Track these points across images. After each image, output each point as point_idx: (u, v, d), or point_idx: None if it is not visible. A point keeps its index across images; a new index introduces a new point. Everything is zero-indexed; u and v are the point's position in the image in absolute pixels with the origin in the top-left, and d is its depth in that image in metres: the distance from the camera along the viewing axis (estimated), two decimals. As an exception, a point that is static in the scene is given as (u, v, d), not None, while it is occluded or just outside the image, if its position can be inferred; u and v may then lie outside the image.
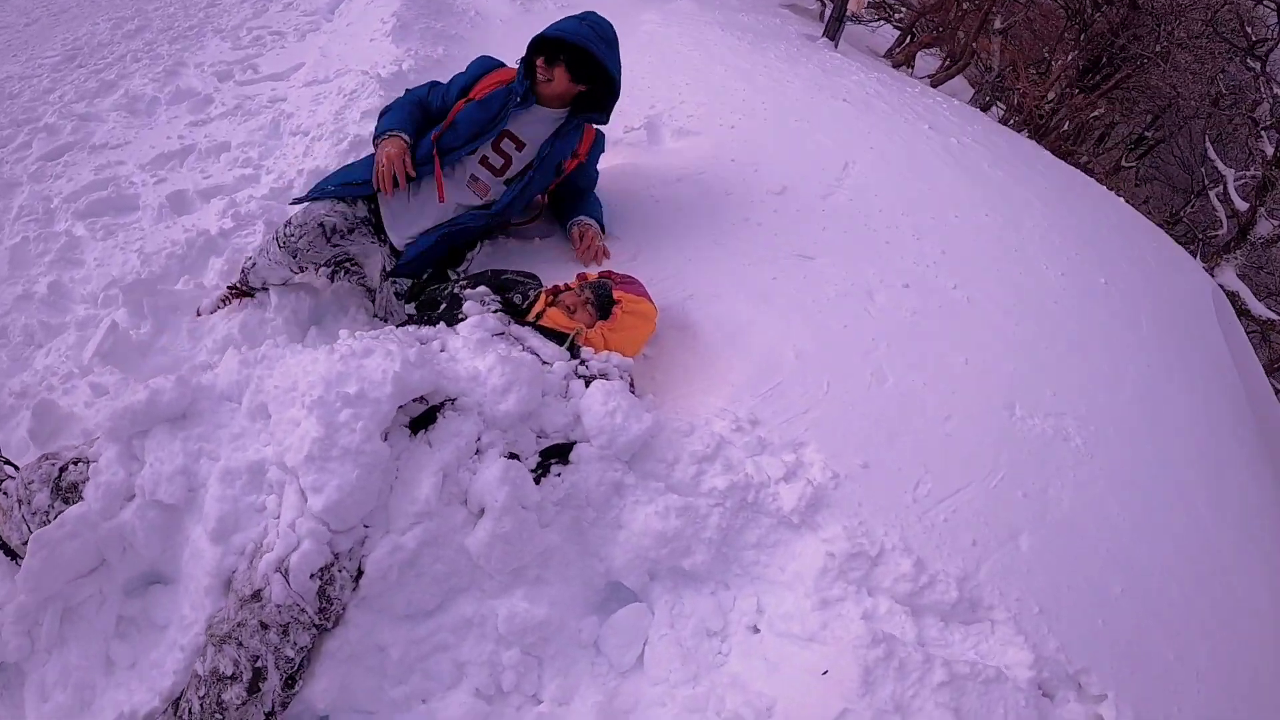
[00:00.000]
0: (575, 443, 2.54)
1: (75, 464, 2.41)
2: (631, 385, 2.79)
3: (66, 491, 2.37)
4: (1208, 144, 14.08)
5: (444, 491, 2.29)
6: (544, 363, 2.63)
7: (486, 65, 3.67)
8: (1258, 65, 12.14)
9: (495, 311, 2.86)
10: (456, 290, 3.05)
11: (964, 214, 4.13)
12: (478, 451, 2.37)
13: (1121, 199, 6.40)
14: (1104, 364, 3.50)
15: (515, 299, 3.04)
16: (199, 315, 3.56)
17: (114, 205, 4.41)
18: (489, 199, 3.49)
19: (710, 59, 5.86)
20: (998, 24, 13.76)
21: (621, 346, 2.90)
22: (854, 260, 3.61)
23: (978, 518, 2.59)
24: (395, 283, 3.40)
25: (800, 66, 5.81)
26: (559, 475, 2.47)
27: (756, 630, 2.41)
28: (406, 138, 3.40)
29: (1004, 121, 11.92)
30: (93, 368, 3.23)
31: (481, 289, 3.01)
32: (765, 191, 4.04)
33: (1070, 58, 13.65)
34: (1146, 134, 17.29)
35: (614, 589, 2.54)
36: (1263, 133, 11.87)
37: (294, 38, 6.86)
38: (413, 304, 3.26)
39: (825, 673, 2.21)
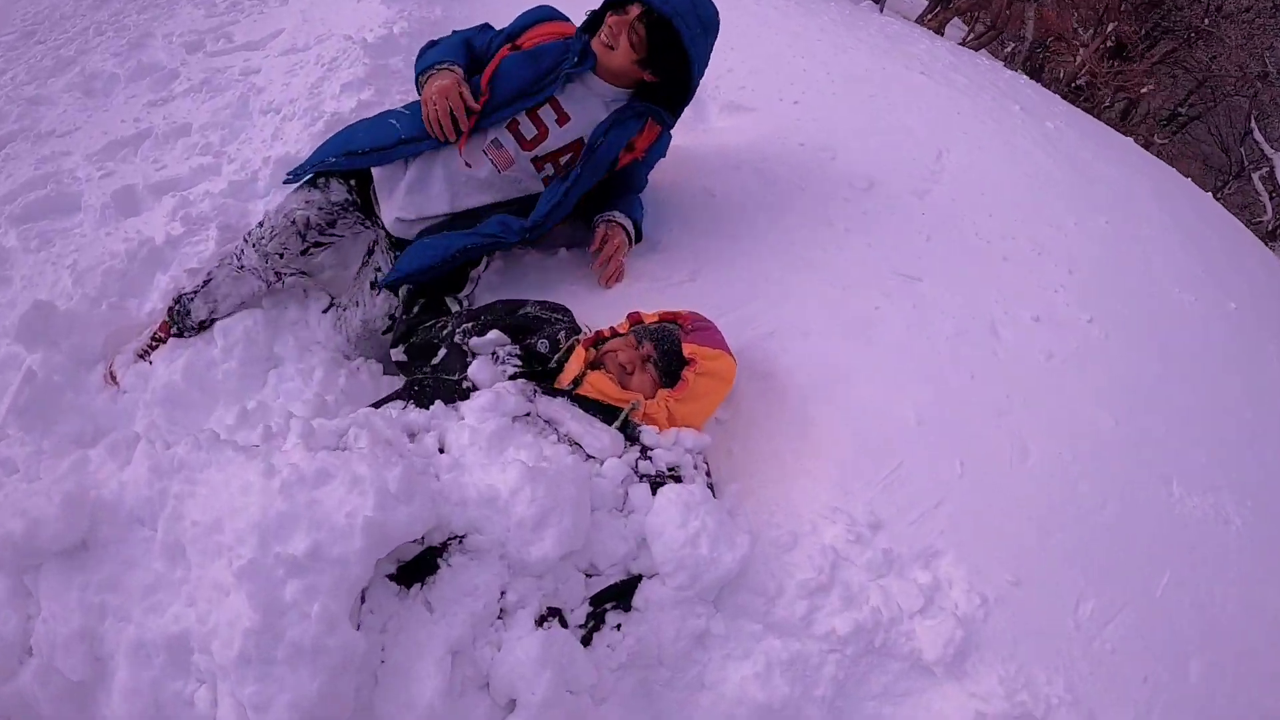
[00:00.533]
0: (639, 577, 1.80)
1: None
2: (708, 475, 2.05)
3: None
4: (1253, 124, 13.32)
5: (455, 675, 1.53)
6: (588, 457, 1.87)
7: (544, 13, 2.87)
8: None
9: (514, 376, 2.08)
10: (459, 339, 2.24)
11: (1082, 220, 3.37)
12: (501, 612, 1.61)
13: (1209, 195, 5.63)
14: (1248, 414, 2.87)
15: (539, 347, 2.22)
16: (111, 381, 2.81)
17: (54, 206, 3.71)
18: (509, 175, 2.69)
19: (755, 21, 4.95)
20: (1032, -9, 12.99)
21: (690, 419, 2.13)
22: (970, 283, 2.86)
23: (1146, 643, 2.03)
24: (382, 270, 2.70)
25: (860, 31, 4.93)
26: (619, 627, 1.73)
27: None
28: (459, 69, 2.65)
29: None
30: (6, 429, 2.59)
31: (493, 336, 2.20)
32: (848, 186, 3.23)
33: (1110, 28, 12.85)
34: (1180, 110, 16.47)
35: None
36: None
37: (276, 1, 6.01)
38: (401, 348, 2.48)
39: None
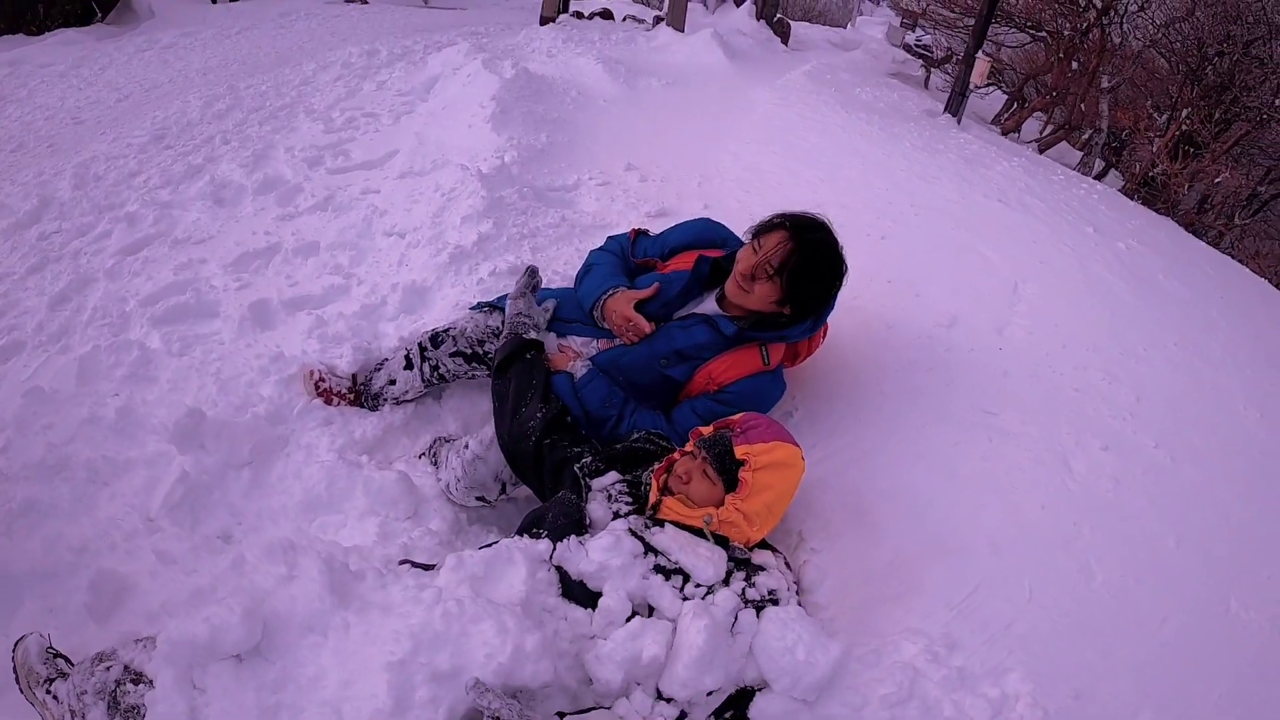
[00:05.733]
0: (753, 690, 2.06)
1: (134, 683, 2.03)
2: (798, 596, 2.32)
3: (126, 713, 1.99)
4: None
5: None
6: (696, 585, 2.13)
7: (711, 233, 3.20)
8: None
9: (627, 513, 2.35)
10: (579, 473, 2.48)
11: (1152, 345, 3.54)
12: None
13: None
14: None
15: (645, 480, 2.48)
16: (312, 382, 3.31)
17: (193, 312, 3.94)
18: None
19: (842, 149, 5.30)
20: (1105, 82, 13.18)
21: (764, 514, 2.37)
22: (1044, 415, 3.05)
23: (1200, 754, 2.15)
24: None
25: (940, 157, 5.21)
26: None
27: None
28: (626, 285, 3.05)
29: (1126, 193, 11.30)
30: (160, 523, 2.80)
31: (609, 478, 2.45)
32: (933, 324, 3.47)
33: (1184, 114, 12.96)
34: (1260, 189, 16.36)
35: None
36: None
37: (388, 120, 6.47)
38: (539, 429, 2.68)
39: None
